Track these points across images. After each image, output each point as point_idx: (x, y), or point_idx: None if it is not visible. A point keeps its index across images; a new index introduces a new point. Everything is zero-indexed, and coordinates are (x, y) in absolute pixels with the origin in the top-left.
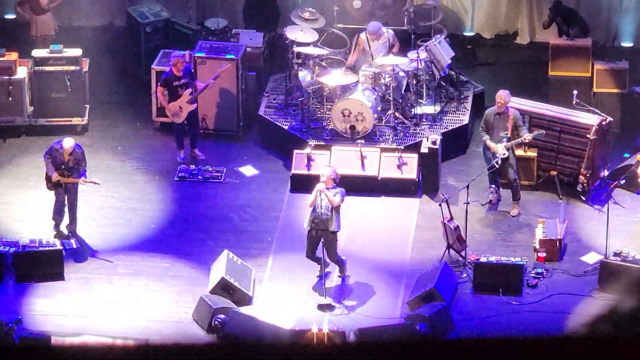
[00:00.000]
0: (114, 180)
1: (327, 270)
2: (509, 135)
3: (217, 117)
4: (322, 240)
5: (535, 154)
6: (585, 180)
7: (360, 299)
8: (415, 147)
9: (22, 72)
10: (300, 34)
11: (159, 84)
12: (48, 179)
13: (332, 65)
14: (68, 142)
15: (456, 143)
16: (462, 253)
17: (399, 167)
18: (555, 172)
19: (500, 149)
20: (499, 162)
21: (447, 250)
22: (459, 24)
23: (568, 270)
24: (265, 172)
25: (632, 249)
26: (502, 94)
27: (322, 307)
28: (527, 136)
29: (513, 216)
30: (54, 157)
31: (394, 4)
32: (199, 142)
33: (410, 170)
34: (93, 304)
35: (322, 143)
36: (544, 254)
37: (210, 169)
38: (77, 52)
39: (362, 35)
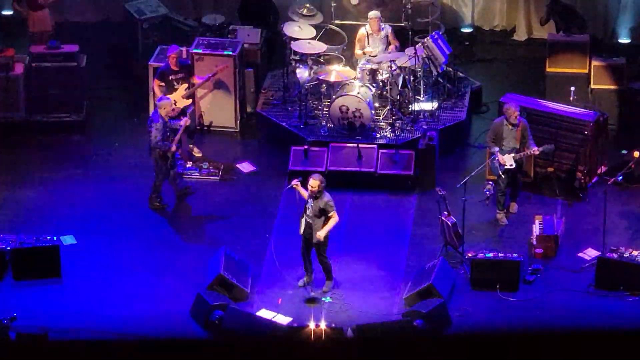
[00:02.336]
0: (111, 177)
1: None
2: (517, 146)
3: (214, 113)
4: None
5: (537, 154)
6: (582, 177)
7: (357, 295)
8: (412, 144)
9: (19, 69)
10: (298, 30)
11: (155, 76)
12: (165, 157)
13: (330, 62)
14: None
15: (453, 139)
16: (459, 249)
17: (396, 163)
18: (552, 169)
19: (509, 160)
20: (503, 171)
21: (444, 247)
22: (456, 20)
23: (565, 266)
24: (262, 168)
25: (629, 245)
26: (512, 108)
27: (310, 301)
28: (534, 150)
29: (512, 212)
30: (163, 130)
31: (392, 0)
32: (196, 139)
33: (408, 167)
34: (90, 300)
35: (320, 139)
36: (541, 250)
37: (208, 165)
38: (74, 48)
39: (362, 31)
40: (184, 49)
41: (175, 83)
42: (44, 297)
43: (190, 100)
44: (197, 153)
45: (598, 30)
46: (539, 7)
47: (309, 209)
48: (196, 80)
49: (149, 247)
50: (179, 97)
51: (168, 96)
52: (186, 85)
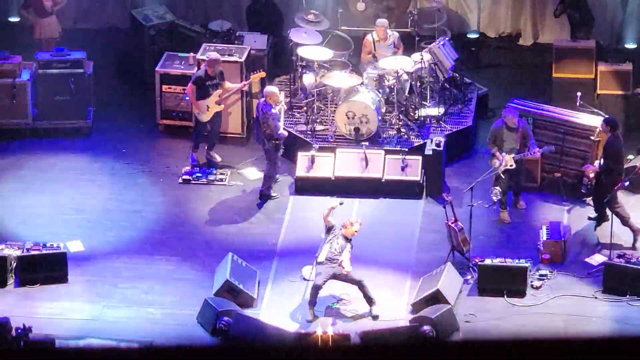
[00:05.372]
0: (118, 183)
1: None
2: (517, 147)
3: (221, 119)
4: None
5: (539, 156)
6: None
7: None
8: (419, 149)
9: (26, 75)
10: (304, 36)
11: (191, 81)
12: (278, 147)
13: (336, 68)
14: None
15: (460, 145)
16: (467, 255)
17: (403, 169)
18: (559, 174)
19: (509, 161)
20: (503, 171)
21: (451, 252)
22: (462, 26)
23: (572, 271)
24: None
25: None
26: (510, 115)
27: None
28: (535, 151)
29: (520, 208)
30: (277, 120)
31: (398, 6)
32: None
33: (414, 172)
34: (97, 307)
35: (326, 145)
36: (548, 256)
37: (215, 172)
38: (81, 54)
39: (369, 37)
40: (190, 55)
41: (210, 89)
42: (50, 304)
43: (222, 107)
44: (216, 159)
45: (604, 36)
46: (545, 11)
47: (336, 246)
48: (229, 86)
49: (156, 254)
50: (212, 103)
51: (201, 102)
52: (219, 91)
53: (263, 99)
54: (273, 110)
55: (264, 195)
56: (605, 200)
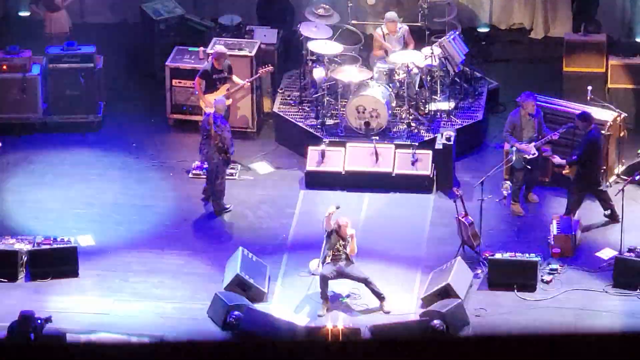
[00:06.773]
0: (128, 177)
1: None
2: (535, 135)
3: (231, 114)
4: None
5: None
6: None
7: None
8: (429, 144)
9: (36, 70)
10: (314, 30)
11: (198, 75)
12: (228, 161)
13: (346, 62)
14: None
15: (470, 139)
16: (477, 249)
17: (413, 163)
18: (568, 171)
19: (531, 150)
20: (527, 161)
21: (461, 247)
22: (473, 20)
23: (582, 266)
24: (279, 168)
25: None
26: (530, 100)
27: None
28: (554, 133)
29: (533, 202)
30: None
31: (408, 0)
32: None
33: (425, 167)
34: (108, 301)
35: (337, 140)
36: (559, 250)
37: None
38: (91, 49)
39: (378, 31)
40: (200, 49)
41: (217, 83)
42: (61, 298)
43: (231, 101)
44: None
45: (615, 30)
46: (556, 4)
47: (340, 248)
48: (237, 81)
49: (166, 248)
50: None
51: (208, 95)
52: (227, 85)
53: (213, 110)
54: (227, 123)
55: (219, 211)
56: (599, 188)
